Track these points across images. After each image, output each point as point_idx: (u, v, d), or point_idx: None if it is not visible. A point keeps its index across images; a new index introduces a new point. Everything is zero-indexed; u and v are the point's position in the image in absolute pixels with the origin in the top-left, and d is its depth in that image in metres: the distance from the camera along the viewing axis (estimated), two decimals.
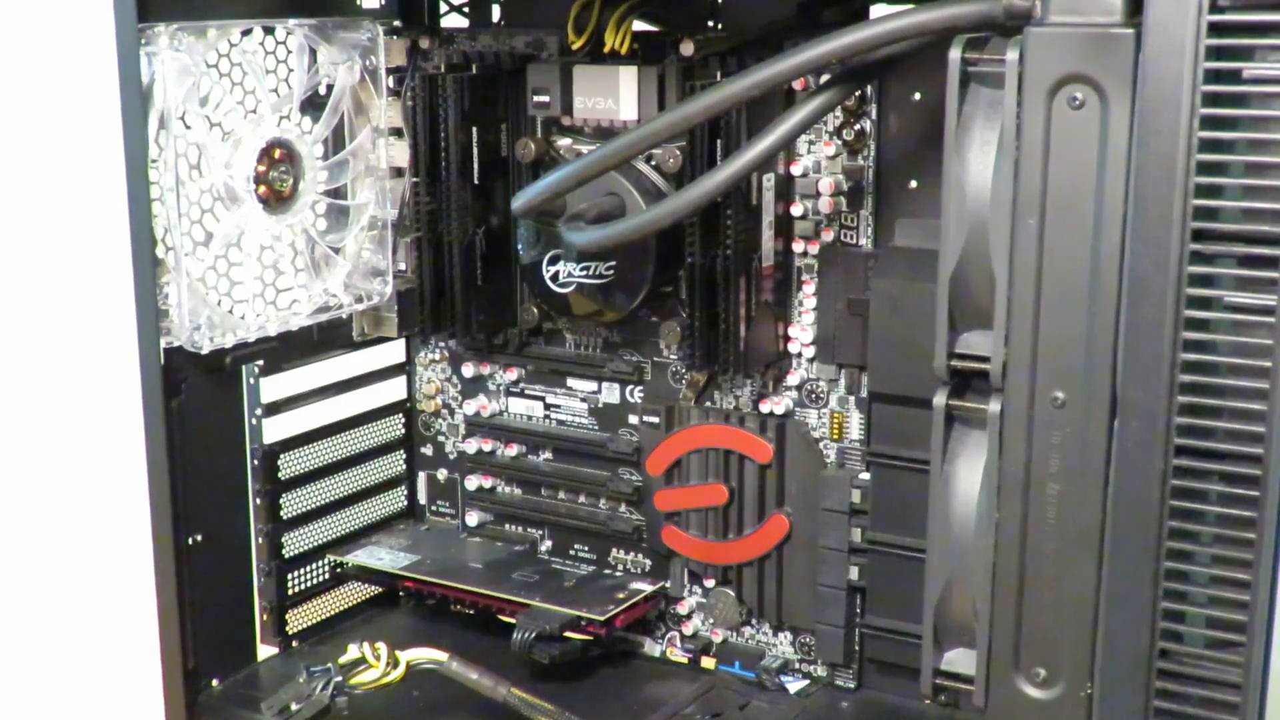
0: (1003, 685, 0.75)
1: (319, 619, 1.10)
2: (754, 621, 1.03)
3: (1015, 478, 0.72)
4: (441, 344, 1.12)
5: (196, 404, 0.96)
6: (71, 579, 1.59)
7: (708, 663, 1.05)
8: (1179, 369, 0.66)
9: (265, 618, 1.05)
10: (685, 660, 1.06)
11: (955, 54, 0.72)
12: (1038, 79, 0.68)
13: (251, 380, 1.01)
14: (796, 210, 0.96)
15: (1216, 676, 0.68)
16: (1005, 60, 0.69)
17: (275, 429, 1.03)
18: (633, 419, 1.05)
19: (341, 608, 1.12)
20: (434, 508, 1.16)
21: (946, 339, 0.75)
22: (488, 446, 1.12)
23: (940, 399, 0.76)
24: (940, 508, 0.77)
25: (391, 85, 1.06)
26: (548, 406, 1.09)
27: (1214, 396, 0.66)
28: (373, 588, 1.12)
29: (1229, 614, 0.67)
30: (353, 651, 0.96)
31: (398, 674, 0.94)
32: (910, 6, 0.75)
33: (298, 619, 1.08)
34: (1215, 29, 0.63)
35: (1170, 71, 0.64)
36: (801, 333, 0.98)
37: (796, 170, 0.95)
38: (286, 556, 1.05)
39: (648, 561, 1.06)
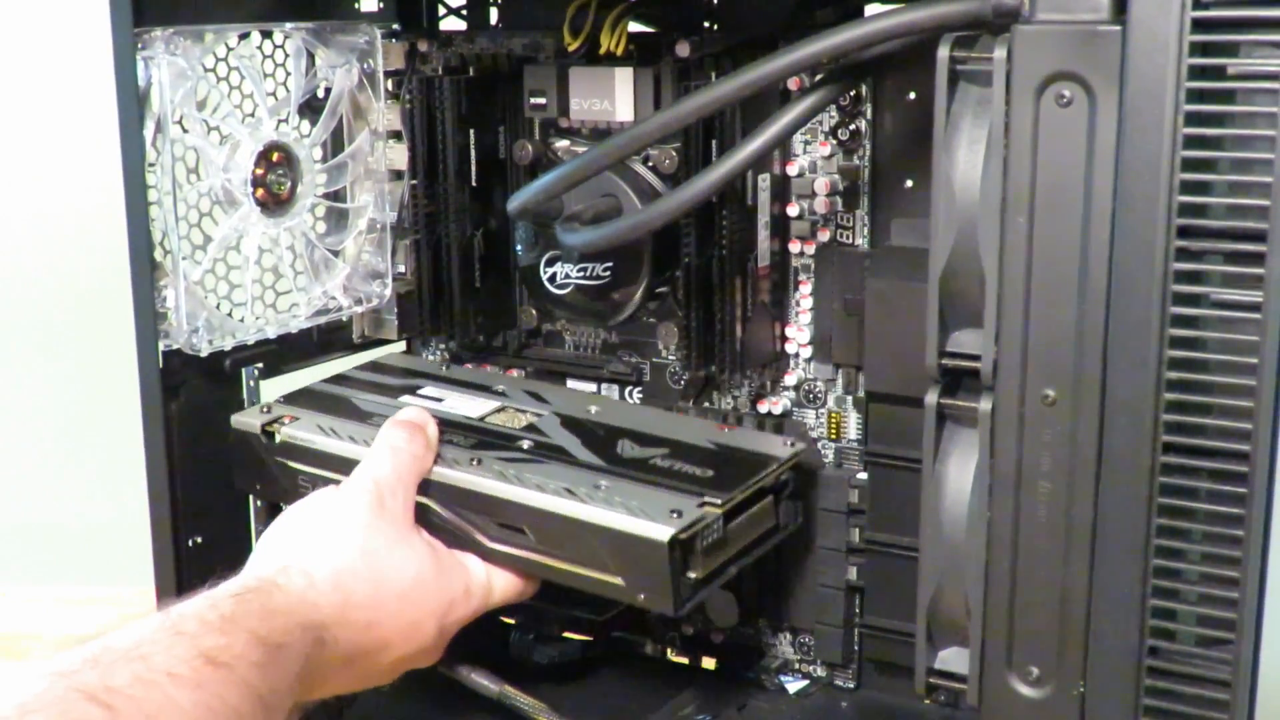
0: (996, 684, 0.75)
1: None
2: (753, 622, 1.03)
3: (1007, 476, 0.72)
4: (441, 346, 1.12)
5: (196, 406, 0.97)
6: (70, 578, 1.60)
7: (708, 663, 1.05)
8: (1166, 366, 0.66)
9: None
10: (685, 660, 1.06)
11: (944, 52, 0.72)
12: (1025, 77, 0.68)
13: (251, 383, 1.01)
14: (793, 210, 0.96)
15: (1206, 674, 0.68)
16: (993, 58, 0.69)
17: None
18: None
19: None
20: None
21: (937, 338, 0.75)
22: None
23: (931, 398, 0.76)
24: (932, 507, 0.77)
25: (390, 88, 1.06)
26: None
27: (1202, 394, 0.66)
28: None
29: (1218, 611, 0.67)
30: None
31: None
32: (900, 5, 0.76)
33: None
34: (1199, 25, 0.63)
35: (1155, 68, 0.64)
36: (799, 333, 0.98)
37: (792, 170, 0.95)
38: None
39: None
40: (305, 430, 0.95)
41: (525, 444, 0.94)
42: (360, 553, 0.82)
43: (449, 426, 0.95)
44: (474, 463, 0.90)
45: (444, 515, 0.89)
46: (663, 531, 0.82)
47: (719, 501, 0.85)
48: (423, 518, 0.89)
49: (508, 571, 0.89)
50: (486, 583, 0.89)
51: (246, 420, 0.98)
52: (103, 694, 0.61)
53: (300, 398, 1.01)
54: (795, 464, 0.93)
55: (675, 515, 0.83)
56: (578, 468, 0.91)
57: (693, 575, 0.84)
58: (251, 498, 1.02)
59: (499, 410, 0.99)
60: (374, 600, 0.81)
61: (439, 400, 1.00)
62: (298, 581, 0.78)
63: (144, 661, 0.65)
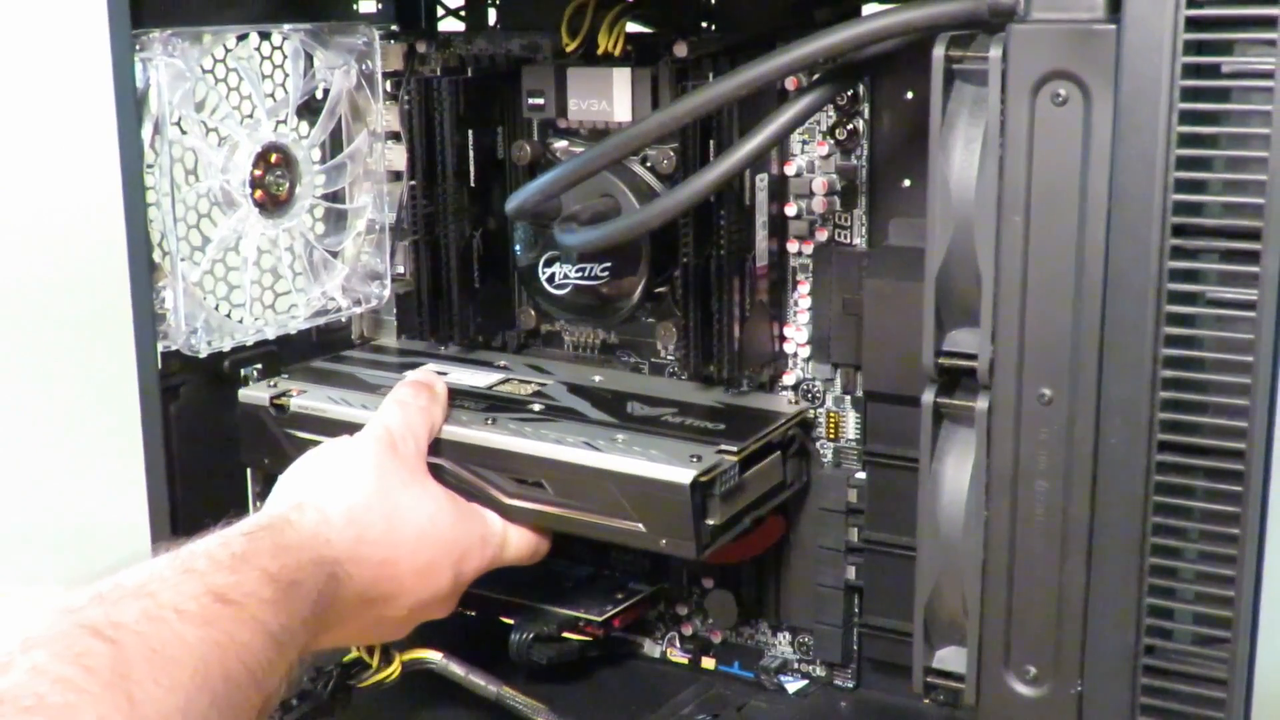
0: (993, 683, 0.75)
1: None
2: (753, 621, 1.03)
3: (1003, 475, 0.72)
4: (440, 347, 1.12)
5: (195, 407, 0.97)
6: (70, 578, 1.60)
7: (707, 663, 1.05)
8: (1162, 365, 0.66)
9: None
10: (685, 660, 1.06)
11: (939, 51, 0.72)
12: (1021, 76, 0.68)
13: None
14: (791, 210, 0.96)
15: (1203, 673, 0.68)
16: (989, 57, 0.69)
17: None
18: None
19: None
20: None
21: (934, 337, 0.75)
22: None
23: (928, 397, 0.76)
24: (929, 506, 0.77)
25: (388, 89, 1.06)
26: None
27: (1197, 392, 0.66)
28: None
29: (1215, 610, 0.67)
30: (350, 651, 0.96)
31: (393, 673, 0.94)
32: (897, 5, 0.76)
33: None
34: (1193, 24, 0.63)
35: (1149, 67, 0.64)
36: (797, 333, 0.98)
37: (790, 170, 0.95)
38: None
39: (646, 562, 1.06)
40: (316, 401, 0.97)
41: (537, 406, 0.96)
42: (374, 490, 0.83)
43: (459, 394, 0.97)
44: (489, 422, 0.92)
45: (461, 474, 0.90)
46: (684, 475, 0.85)
47: (735, 449, 0.88)
48: (439, 478, 0.89)
49: (523, 528, 0.90)
50: (502, 534, 0.89)
51: (254, 394, 0.99)
52: (108, 629, 0.61)
53: (304, 373, 1.03)
54: (801, 421, 0.96)
55: (695, 460, 0.86)
56: (592, 424, 0.93)
57: (711, 521, 0.86)
58: (252, 496, 1.02)
59: (504, 381, 1.01)
60: (388, 537, 0.82)
61: (444, 374, 1.00)
62: (311, 517, 0.79)
63: (152, 598, 0.64)
